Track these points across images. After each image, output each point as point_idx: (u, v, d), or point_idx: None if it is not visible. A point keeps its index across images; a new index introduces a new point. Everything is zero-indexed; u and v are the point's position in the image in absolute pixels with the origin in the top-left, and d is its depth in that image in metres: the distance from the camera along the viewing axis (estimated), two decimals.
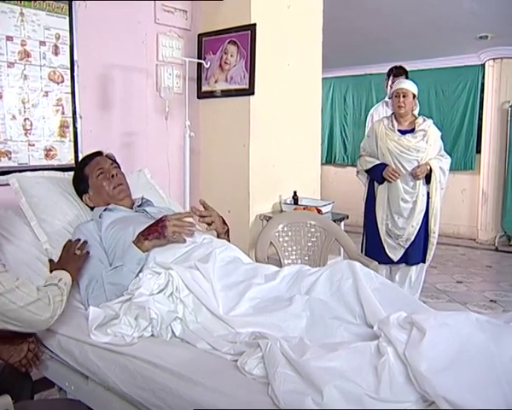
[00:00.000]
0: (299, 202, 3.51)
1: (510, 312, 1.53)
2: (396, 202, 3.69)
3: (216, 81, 3.46)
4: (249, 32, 3.24)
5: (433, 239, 3.77)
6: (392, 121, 3.76)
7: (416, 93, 3.73)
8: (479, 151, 6.84)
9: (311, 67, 3.80)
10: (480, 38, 5.75)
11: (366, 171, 3.86)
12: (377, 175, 3.74)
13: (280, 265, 2.66)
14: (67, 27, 2.73)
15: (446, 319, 1.31)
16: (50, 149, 2.72)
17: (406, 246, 3.72)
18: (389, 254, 3.74)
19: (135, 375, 1.49)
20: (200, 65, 3.49)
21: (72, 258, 1.85)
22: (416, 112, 3.81)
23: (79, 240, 1.92)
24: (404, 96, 3.65)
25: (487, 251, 6.45)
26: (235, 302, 1.66)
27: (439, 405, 1.09)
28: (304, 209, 3.30)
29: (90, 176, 2.24)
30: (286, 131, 3.58)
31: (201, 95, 3.56)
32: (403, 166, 3.64)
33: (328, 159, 8.23)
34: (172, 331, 1.63)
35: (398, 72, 4.39)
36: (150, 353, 1.51)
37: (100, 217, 2.11)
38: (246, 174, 3.34)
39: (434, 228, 3.76)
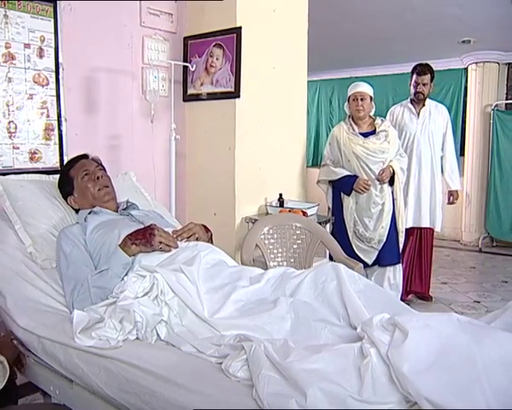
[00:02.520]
0: (285, 205, 3.52)
1: (492, 312, 1.54)
2: (367, 206, 3.68)
3: (202, 84, 3.46)
4: (235, 35, 3.24)
5: (402, 238, 3.86)
6: (351, 125, 3.74)
7: (373, 95, 3.74)
8: (462, 154, 6.90)
9: (297, 69, 3.82)
10: (463, 42, 5.81)
11: (331, 181, 3.80)
12: (346, 188, 3.71)
13: (266, 267, 2.67)
14: (52, 30, 2.72)
15: (428, 320, 1.32)
16: (35, 152, 2.71)
17: (379, 248, 3.72)
18: (363, 258, 3.69)
19: (119, 378, 1.49)
20: (185, 68, 3.49)
21: (9, 343, 1.76)
22: (371, 113, 3.79)
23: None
24: (362, 100, 3.66)
25: (471, 252, 6.51)
26: (219, 305, 1.66)
27: (421, 405, 1.10)
28: (289, 212, 3.30)
29: (76, 178, 2.24)
30: (271, 133, 3.59)
31: (187, 98, 3.56)
32: (370, 169, 3.65)
33: (314, 161, 8.25)
34: (157, 334, 1.63)
35: (422, 70, 4.13)
36: (135, 356, 1.51)
37: (85, 220, 2.11)
38: (231, 177, 3.34)
39: (402, 227, 3.83)
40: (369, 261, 3.73)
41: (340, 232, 3.72)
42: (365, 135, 3.70)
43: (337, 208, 3.82)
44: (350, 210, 3.72)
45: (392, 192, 3.76)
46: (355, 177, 3.64)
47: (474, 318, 1.41)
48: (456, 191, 4.39)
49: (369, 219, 3.70)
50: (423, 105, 4.20)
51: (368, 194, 3.65)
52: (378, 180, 3.65)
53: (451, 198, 4.42)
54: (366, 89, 3.70)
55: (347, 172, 3.68)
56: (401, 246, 3.90)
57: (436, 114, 4.22)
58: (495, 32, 5.47)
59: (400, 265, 3.92)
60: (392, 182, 3.72)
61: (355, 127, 3.72)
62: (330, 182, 3.85)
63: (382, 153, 3.66)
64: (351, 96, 3.72)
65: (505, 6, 4.48)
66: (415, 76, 4.16)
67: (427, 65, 4.19)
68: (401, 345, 1.22)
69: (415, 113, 4.21)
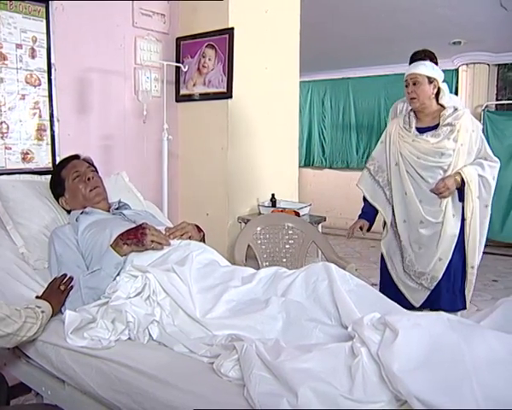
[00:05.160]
0: (277, 205, 3.53)
1: (482, 311, 1.56)
2: (414, 227, 2.81)
3: (194, 85, 3.46)
4: (227, 35, 3.25)
5: (471, 276, 2.84)
6: (409, 118, 2.87)
7: (436, 76, 2.76)
8: None
9: (289, 70, 3.83)
10: (454, 43, 5.87)
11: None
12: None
13: (258, 267, 2.68)
14: (44, 30, 2.71)
15: (418, 319, 1.33)
16: (27, 153, 2.70)
17: (431, 287, 2.80)
18: (409, 297, 2.86)
19: (112, 379, 1.49)
20: (178, 68, 3.49)
21: (56, 291, 1.81)
22: (444, 101, 2.82)
23: (65, 275, 1.86)
24: (414, 84, 2.75)
25: None
26: (211, 305, 1.67)
27: (411, 404, 1.11)
28: (282, 212, 3.31)
29: (67, 179, 2.24)
30: (264, 134, 3.59)
31: (179, 98, 3.57)
32: (421, 177, 2.76)
33: (307, 162, 8.28)
34: (149, 334, 1.63)
35: (416, 57, 3.19)
36: (127, 356, 1.51)
37: (76, 220, 2.11)
38: (224, 177, 3.35)
39: (472, 261, 2.81)
40: (417, 303, 2.84)
41: (382, 260, 3.06)
42: (424, 130, 2.79)
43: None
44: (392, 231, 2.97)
45: (463, 212, 2.77)
46: (372, 210, 3.02)
47: (465, 316, 1.43)
48: None
49: (418, 244, 2.82)
50: None
51: (415, 209, 2.79)
52: (434, 193, 2.73)
53: None
54: (420, 69, 2.75)
55: (368, 197, 3.02)
56: (472, 286, 2.87)
57: None
58: (485, 34, 5.51)
59: (465, 312, 2.90)
60: (462, 196, 2.74)
61: (412, 120, 2.84)
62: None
63: (441, 155, 2.70)
64: (404, 81, 2.84)
65: (495, 8, 4.51)
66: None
67: (425, 50, 3.25)
68: (391, 344, 1.23)
69: None
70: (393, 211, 2.92)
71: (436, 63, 3.11)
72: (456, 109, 2.76)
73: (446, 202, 2.72)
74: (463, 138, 2.70)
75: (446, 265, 2.76)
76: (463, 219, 2.75)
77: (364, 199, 3.08)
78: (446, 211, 2.73)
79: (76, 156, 2.35)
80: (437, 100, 2.80)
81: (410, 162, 2.77)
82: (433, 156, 2.72)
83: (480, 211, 2.74)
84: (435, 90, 2.76)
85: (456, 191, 2.73)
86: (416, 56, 3.18)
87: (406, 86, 2.80)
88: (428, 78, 2.73)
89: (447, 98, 2.83)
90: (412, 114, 2.86)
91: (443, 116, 2.75)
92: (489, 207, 2.78)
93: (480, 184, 2.72)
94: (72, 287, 1.84)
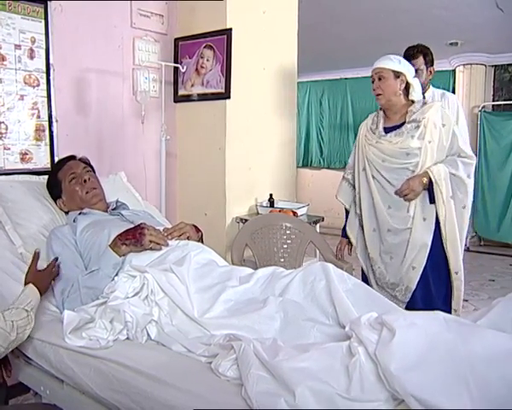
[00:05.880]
0: (275, 205, 3.53)
1: (478, 310, 1.56)
2: (383, 235, 2.60)
3: (192, 85, 3.47)
4: (225, 36, 3.26)
5: (458, 282, 2.55)
6: (377, 117, 2.70)
7: (404, 70, 2.54)
8: None
9: (287, 71, 3.83)
10: (451, 44, 5.88)
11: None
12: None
13: (256, 267, 2.68)
14: (43, 31, 2.71)
15: (415, 318, 1.33)
16: (26, 153, 2.70)
17: (406, 300, 2.54)
18: None
19: (110, 378, 1.49)
20: (176, 69, 3.50)
21: (43, 273, 1.81)
22: (415, 97, 2.57)
23: (56, 259, 1.88)
24: (380, 79, 2.56)
25: None
26: (209, 305, 1.67)
27: (408, 403, 1.11)
28: (279, 212, 3.32)
29: (63, 181, 2.25)
30: (262, 134, 3.60)
31: (178, 99, 3.57)
32: (388, 182, 2.55)
33: (305, 162, 8.31)
34: (148, 334, 1.64)
35: (411, 53, 3.02)
36: (125, 356, 1.52)
37: (74, 221, 2.11)
38: (222, 177, 3.35)
39: (456, 266, 2.53)
40: None
41: (362, 273, 2.84)
42: (391, 130, 2.58)
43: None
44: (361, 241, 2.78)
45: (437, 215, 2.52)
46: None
47: (463, 316, 1.43)
48: None
49: (389, 254, 2.60)
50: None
51: (381, 216, 2.59)
52: (399, 196, 2.52)
53: None
54: (385, 63, 2.55)
55: (348, 207, 2.88)
56: (462, 294, 2.58)
57: None
58: (482, 35, 5.52)
59: (461, 312, 2.63)
60: (433, 198, 2.49)
61: (380, 120, 2.65)
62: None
63: (406, 156, 2.48)
64: (371, 78, 2.65)
65: (491, 9, 4.52)
66: None
67: (419, 45, 3.08)
68: (388, 343, 1.23)
69: None
70: (362, 222, 2.73)
71: (432, 59, 3.06)
72: (424, 103, 2.54)
73: (415, 206, 2.50)
74: (431, 135, 2.46)
75: (420, 273, 2.50)
76: (438, 223, 2.50)
77: (346, 211, 2.93)
78: (415, 216, 2.50)
79: (72, 157, 2.35)
80: (408, 97, 2.59)
81: (375, 166, 2.58)
82: (397, 158, 2.50)
83: (456, 213, 2.50)
84: (403, 86, 2.54)
85: (427, 193, 2.49)
86: (409, 51, 3.05)
87: (372, 82, 2.60)
88: (394, 72, 2.51)
89: (418, 94, 2.57)
90: (381, 113, 2.67)
91: (410, 112, 2.52)
92: (467, 209, 2.53)
93: (453, 184, 2.47)
94: (58, 273, 1.86)
